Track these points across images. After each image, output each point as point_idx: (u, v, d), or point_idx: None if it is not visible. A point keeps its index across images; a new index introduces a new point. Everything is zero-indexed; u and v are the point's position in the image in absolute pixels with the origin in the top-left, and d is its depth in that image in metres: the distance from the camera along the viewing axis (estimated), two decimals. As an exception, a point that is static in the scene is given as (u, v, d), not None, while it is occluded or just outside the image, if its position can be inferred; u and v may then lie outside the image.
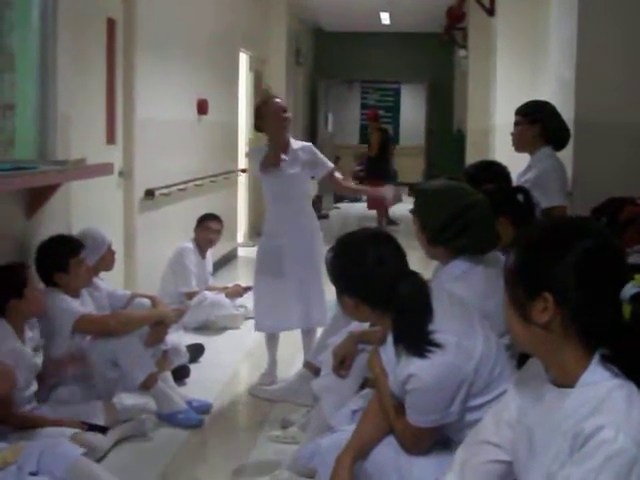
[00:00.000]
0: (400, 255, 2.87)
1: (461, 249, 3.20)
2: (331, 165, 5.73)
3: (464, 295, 2.97)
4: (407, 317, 2.71)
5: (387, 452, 2.83)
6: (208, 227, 7.33)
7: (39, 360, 4.39)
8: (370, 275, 2.79)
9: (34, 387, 4.29)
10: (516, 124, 4.92)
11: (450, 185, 3.38)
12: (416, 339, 2.67)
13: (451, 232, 3.18)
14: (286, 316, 5.46)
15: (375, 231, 3.05)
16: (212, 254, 7.68)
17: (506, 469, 2.16)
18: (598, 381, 1.92)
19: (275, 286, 5.46)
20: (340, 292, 2.88)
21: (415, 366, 2.64)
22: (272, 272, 5.49)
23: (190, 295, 7.02)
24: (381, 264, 2.78)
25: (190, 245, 7.24)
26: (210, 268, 7.60)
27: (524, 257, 2.02)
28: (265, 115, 5.52)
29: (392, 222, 13.76)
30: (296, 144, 5.62)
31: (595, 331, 1.94)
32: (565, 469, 1.86)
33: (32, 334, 4.34)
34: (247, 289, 7.51)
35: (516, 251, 2.04)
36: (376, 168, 13.91)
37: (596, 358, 1.94)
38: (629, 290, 1.93)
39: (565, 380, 1.98)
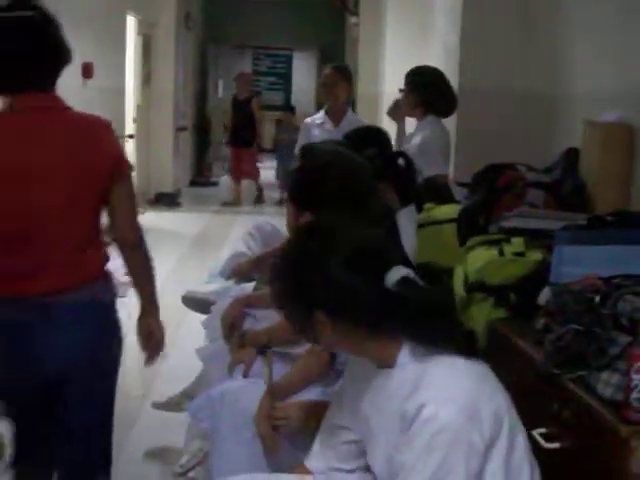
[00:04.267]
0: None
1: None
2: None
3: None
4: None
5: None
6: None
7: None
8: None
9: None
10: (400, 91, 4.98)
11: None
12: None
13: None
14: None
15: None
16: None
17: (363, 447, 2.16)
18: (413, 361, 1.92)
19: None
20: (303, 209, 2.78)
21: None
22: None
23: None
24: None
25: None
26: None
27: (289, 277, 1.98)
28: None
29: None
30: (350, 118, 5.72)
31: (376, 320, 1.93)
32: (400, 454, 1.86)
33: None
34: None
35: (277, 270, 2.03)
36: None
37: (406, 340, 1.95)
38: (394, 275, 1.93)
39: (385, 363, 1.98)
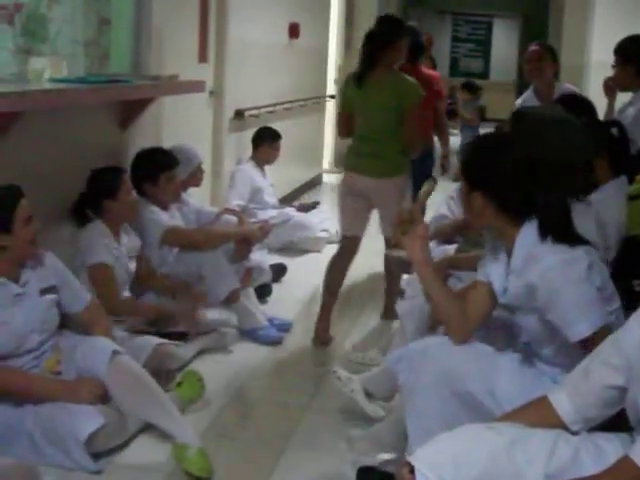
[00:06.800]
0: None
1: None
2: None
3: None
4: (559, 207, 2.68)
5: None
6: (276, 147, 7.12)
7: (131, 266, 4.46)
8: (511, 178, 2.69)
9: (126, 293, 4.40)
10: (613, 66, 4.83)
11: None
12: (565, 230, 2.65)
13: None
14: None
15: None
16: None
17: (618, 396, 2.17)
18: None
19: None
20: (472, 188, 2.75)
21: (540, 267, 2.58)
22: None
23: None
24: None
25: (244, 166, 6.96)
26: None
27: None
28: None
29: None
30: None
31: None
32: None
33: (127, 240, 4.42)
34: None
35: None
36: None
37: None
38: None
39: None
